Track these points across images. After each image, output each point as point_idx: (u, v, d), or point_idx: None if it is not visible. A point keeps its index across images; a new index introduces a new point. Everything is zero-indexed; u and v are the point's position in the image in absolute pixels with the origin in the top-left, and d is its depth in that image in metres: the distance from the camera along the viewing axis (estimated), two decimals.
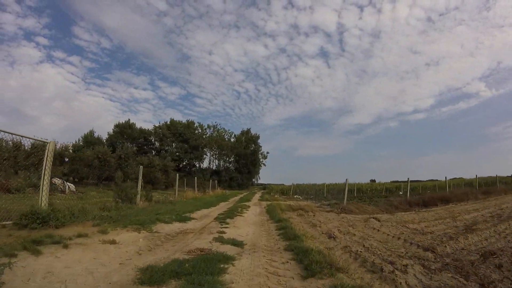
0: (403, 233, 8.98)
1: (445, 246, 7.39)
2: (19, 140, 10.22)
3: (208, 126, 75.79)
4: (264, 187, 71.48)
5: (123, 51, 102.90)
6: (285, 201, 24.51)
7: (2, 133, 7.08)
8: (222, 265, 4.57)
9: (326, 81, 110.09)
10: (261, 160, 76.63)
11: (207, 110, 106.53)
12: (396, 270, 5.00)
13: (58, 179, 19.72)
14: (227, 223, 9.41)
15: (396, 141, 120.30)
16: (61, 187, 19.05)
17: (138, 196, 13.04)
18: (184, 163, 69.60)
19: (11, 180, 13.03)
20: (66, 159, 29.56)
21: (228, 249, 5.83)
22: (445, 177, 26.60)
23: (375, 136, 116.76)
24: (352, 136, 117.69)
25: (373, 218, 11.34)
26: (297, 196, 33.97)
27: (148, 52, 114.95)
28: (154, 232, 7.81)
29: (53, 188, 18.43)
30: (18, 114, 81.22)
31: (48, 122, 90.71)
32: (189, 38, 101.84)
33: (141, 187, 13.65)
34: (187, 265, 4.39)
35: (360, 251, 6.46)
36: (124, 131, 63.42)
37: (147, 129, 67.50)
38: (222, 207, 16.09)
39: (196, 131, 71.23)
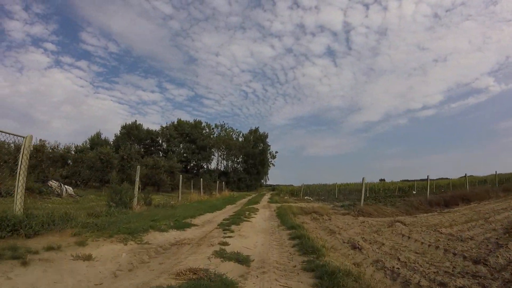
0: (439, 240, 7.62)
1: (497, 257, 6.01)
2: None
3: (216, 126, 74.82)
4: (273, 188, 70.17)
5: (130, 54, 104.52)
6: (295, 202, 23.18)
7: None
8: None
9: (333, 80, 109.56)
10: (269, 160, 75.22)
11: (215, 111, 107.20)
12: None
13: (55, 182, 18.70)
14: (232, 231, 8.12)
15: (406, 139, 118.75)
16: (58, 190, 18.02)
17: (135, 199, 11.86)
18: (192, 164, 68.56)
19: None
20: (69, 161, 28.73)
21: (230, 268, 4.57)
22: (465, 174, 25.06)
23: (384, 133, 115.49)
24: (360, 134, 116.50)
25: (399, 222, 9.96)
26: (308, 197, 32.60)
27: (155, 55, 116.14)
28: (143, 244, 6.57)
29: (49, 191, 17.47)
30: (28, 119, 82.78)
31: (57, 126, 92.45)
32: (196, 40, 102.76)
33: (139, 189, 12.44)
34: None
35: (397, 268, 5.14)
36: (131, 132, 62.84)
37: (154, 130, 66.79)
38: (228, 210, 14.82)
39: (204, 131, 70.15)
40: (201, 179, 25.35)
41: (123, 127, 63.50)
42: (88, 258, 5.05)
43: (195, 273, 4.18)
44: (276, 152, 76.47)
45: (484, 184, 34.37)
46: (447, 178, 48.88)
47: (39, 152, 22.51)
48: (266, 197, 34.50)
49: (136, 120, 66.16)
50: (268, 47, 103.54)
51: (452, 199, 18.17)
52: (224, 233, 7.77)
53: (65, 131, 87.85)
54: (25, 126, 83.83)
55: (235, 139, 74.50)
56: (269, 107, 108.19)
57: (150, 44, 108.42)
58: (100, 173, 26.25)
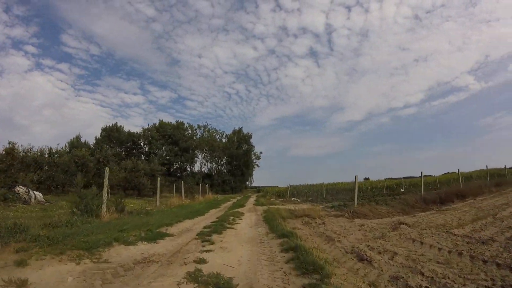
0: (457, 244, 6.56)
1: None
2: None
3: (198, 127, 72.62)
4: (258, 190, 68.75)
5: (112, 57, 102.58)
6: (282, 204, 21.96)
7: None
8: None
9: (316, 80, 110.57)
10: (254, 161, 73.68)
11: (198, 113, 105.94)
12: None
13: (22, 187, 17.04)
14: (213, 242, 6.81)
15: (389, 138, 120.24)
16: (25, 196, 16.39)
17: (103, 206, 10.42)
18: (175, 167, 66.62)
19: None
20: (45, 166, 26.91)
21: None
22: (458, 170, 24.24)
23: (367, 132, 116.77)
24: (344, 133, 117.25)
25: (403, 224, 8.84)
26: (295, 199, 31.45)
27: (137, 57, 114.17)
28: (101, 262, 5.24)
29: (15, 198, 15.88)
30: (8, 124, 79.88)
31: (38, 131, 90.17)
32: (178, 42, 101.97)
33: (108, 194, 11.01)
34: None
35: (426, 286, 3.97)
36: (112, 134, 60.54)
37: (135, 132, 64.69)
38: (211, 216, 13.47)
39: (186, 132, 68.26)
40: (182, 182, 23.82)
41: (104, 130, 61.11)
42: (22, 284, 3.77)
43: None
44: (261, 152, 75.05)
45: (470, 179, 34.29)
46: (430, 175, 48.97)
47: (9, 155, 20.86)
48: (252, 199, 33.18)
49: (116, 122, 63.96)
50: (251, 49, 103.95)
51: (448, 196, 17.35)
52: (203, 246, 6.45)
53: (46, 135, 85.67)
54: (5, 130, 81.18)
55: (218, 140, 72.80)
56: (253, 108, 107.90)
57: (133, 47, 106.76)
58: (75, 178, 24.46)
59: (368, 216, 12.45)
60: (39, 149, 27.87)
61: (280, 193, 38.86)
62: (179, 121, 68.98)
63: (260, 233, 8.19)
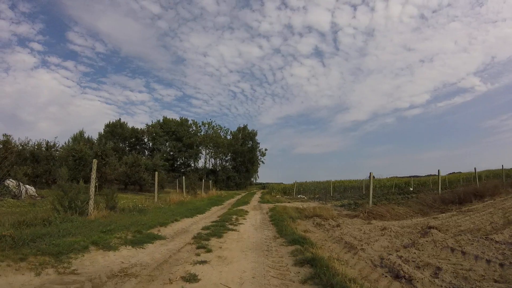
0: (504, 253, 5.36)
1: None
2: None
3: (203, 123, 71.51)
4: (263, 186, 67.73)
5: (118, 55, 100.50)
6: (289, 202, 20.82)
7: None
8: None
9: (321, 80, 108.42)
10: (259, 158, 72.51)
11: (203, 111, 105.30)
12: None
13: (13, 181, 16.05)
14: (210, 249, 5.63)
15: (393, 137, 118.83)
16: (15, 190, 15.39)
17: (91, 202, 9.30)
18: (178, 162, 65.73)
19: None
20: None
21: None
22: (475, 169, 22.84)
23: (372, 132, 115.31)
24: (349, 133, 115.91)
25: (433, 228, 7.61)
26: (301, 196, 30.29)
27: (143, 55, 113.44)
28: (67, 274, 4.17)
29: (4, 192, 14.93)
30: (14, 120, 79.82)
31: (44, 127, 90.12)
32: (184, 40, 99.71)
33: (96, 189, 9.92)
34: None
35: None
36: (115, 130, 59.83)
37: (139, 128, 63.91)
38: (212, 214, 12.34)
39: (190, 129, 67.32)
40: (183, 177, 22.67)
41: (107, 126, 60.53)
42: None
43: None
44: (266, 149, 73.82)
45: (480, 179, 33.06)
46: (434, 175, 47.58)
47: (3, 148, 19.99)
48: (257, 196, 32.03)
49: (120, 118, 63.29)
50: (256, 48, 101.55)
51: (466, 195, 16.10)
52: (197, 254, 5.27)
53: (52, 132, 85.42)
54: (11, 127, 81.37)
55: (223, 137, 71.75)
56: (258, 107, 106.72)
57: (138, 44, 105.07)
58: (72, 172, 23.50)
59: (385, 217, 11.25)
60: (36, 142, 27.15)
61: (286, 190, 37.59)
62: (183, 117, 68.02)
63: (267, 237, 7.00)
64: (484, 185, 20.32)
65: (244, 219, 10.43)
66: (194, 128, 68.68)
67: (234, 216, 10.68)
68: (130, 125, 63.22)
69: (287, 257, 5.13)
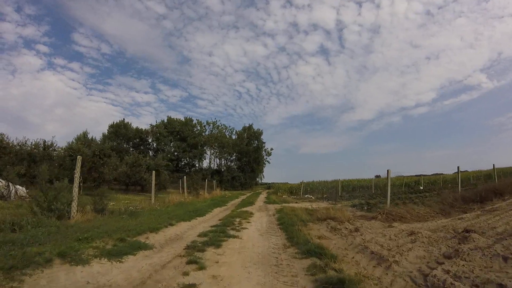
0: None
1: None
2: None
3: (208, 123, 70.04)
4: (268, 186, 66.40)
5: (123, 55, 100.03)
6: (296, 202, 19.64)
7: None
8: None
9: (327, 78, 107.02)
10: (265, 158, 71.10)
11: (209, 111, 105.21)
12: None
13: (2, 181, 15.02)
14: (203, 266, 4.43)
15: (400, 136, 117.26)
16: (4, 190, 14.36)
17: (74, 204, 8.19)
18: (183, 163, 64.66)
19: None
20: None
21: None
22: (493, 166, 21.49)
23: (378, 131, 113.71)
24: (354, 132, 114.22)
25: (472, 231, 6.37)
26: (308, 196, 29.07)
27: (148, 56, 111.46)
28: None
29: None
30: (21, 122, 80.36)
31: (51, 129, 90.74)
32: (189, 40, 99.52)
33: (80, 189, 8.83)
34: None
35: None
36: (119, 131, 58.96)
37: (143, 128, 63.00)
38: (214, 216, 11.16)
39: (195, 129, 66.18)
40: (185, 177, 21.49)
41: (111, 126, 59.65)
42: None
43: None
44: (271, 149, 72.34)
45: (490, 178, 31.85)
46: (441, 174, 46.68)
47: None
48: (262, 196, 30.81)
49: (124, 119, 62.42)
50: (261, 46, 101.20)
51: (487, 193, 14.91)
52: (186, 273, 4.05)
53: (58, 134, 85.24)
54: (17, 129, 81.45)
55: (228, 136, 70.49)
56: (263, 107, 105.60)
57: (143, 45, 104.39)
58: (69, 172, 22.50)
59: (406, 219, 10.05)
60: (34, 142, 26.29)
61: (292, 190, 36.36)
62: (188, 117, 66.95)
63: (275, 246, 5.80)
64: (503, 182, 19.09)
65: (249, 222, 9.24)
66: (198, 128, 67.51)
67: (237, 219, 9.51)
68: (136, 126, 62.42)
69: (302, 275, 3.93)
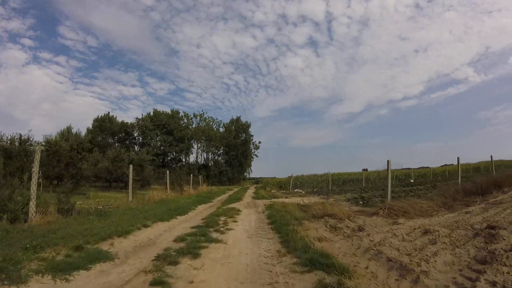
0: None
1: None
2: None
3: (194, 115, 68.12)
4: (257, 181, 65.21)
5: (110, 48, 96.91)
6: (286, 197, 18.61)
7: None
8: None
9: (315, 70, 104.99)
10: (253, 151, 69.78)
11: (197, 105, 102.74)
12: None
13: None
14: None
15: (388, 129, 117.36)
16: None
17: (31, 204, 6.97)
18: (169, 158, 63.07)
19: None
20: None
21: None
22: (491, 157, 20.81)
23: (366, 124, 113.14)
24: (343, 124, 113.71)
25: (496, 227, 5.39)
26: (298, 190, 28.12)
27: (135, 48, 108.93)
28: None
29: None
30: (6, 118, 77.14)
31: (37, 125, 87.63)
32: (177, 32, 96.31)
33: (40, 186, 7.63)
34: None
35: None
36: (104, 125, 57.04)
37: (129, 122, 61.11)
38: (196, 215, 10.04)
39: (182, 122, 64.53)
40: (168, 171, 20.20)
41: (95, 120, 57.58)
42: None
43: None
44: (260, 142, 71.06)
45: (478, 170, 31.68)
46: (427, 167, 46.65)
47: None
48: (250, 191, 29.70)
49: (109, 112, 60.41)
50: (250, 38, 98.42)
51: (487, 186, 14.26)
52: None
53: (45, 129, 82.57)
54: (3, 125, 79.00)
55: (215, 129, 69.04)
56: (252, 99, 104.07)
57: (131, 37, 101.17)
58: (45, 168, 21.02)
59: (410, 214, 9.14)
60: (9, 137, 24.69)
61: (281, 184, 35.35)
62: (174, 109, 65.22)
63: (268, 254, 4.70)
64: (501, 175, 18.53)
65: (235, 221, 8.11)
66: (185, 120, 65.79)
67: (223, 218, 8.40)
68: (116, 117, 60.33)
69: None
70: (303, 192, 25.35)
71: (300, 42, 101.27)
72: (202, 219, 8.60)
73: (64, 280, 3.62)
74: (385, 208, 9.48)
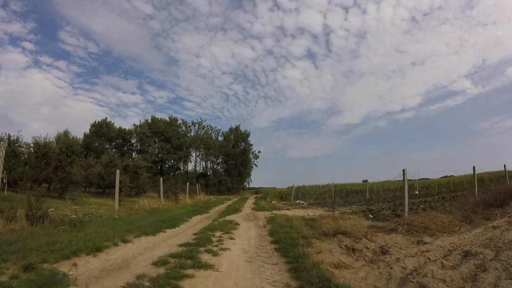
0: None
1: None
2: None
3: (193, 123, 67.18)
4: (256, 191, 63.70)
5: (110, 55, 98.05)
6: (288, 209, 17.43)
7: None
8: None
9: (314, 82, 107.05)
10: (252, 161, 68.64)
11: (196, 114, 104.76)
12: None
13: None
14: None
15: (386, 140, 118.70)
16: None
17: None
18: (167, 165, 61.89)
19: None
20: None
21: None
22: (504, 165, 19.61)
23: (364, 135, 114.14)
24: (341, 136, 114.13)
25: None
26: (300, 201, 26.91)
27: (135, 56, 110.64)
28: None
29: None
30: (5, 121, 76.91)
31: (36, 128, 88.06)
32: (176, 41, 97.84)
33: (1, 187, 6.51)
34: None
35: None
36: (101, 130, 56.01)
37: (126, 128, 60.13)
38: (189, 228, 8.87)
39: (180, 129, 63.52)
40: (161, 179, 18.97)
41: (93, 125, 56.72)
42: None
43: None
44: (259, 151, 69.94)
45: (482, 181, 30.76)
46: (427, 179, 45.93)
47: None
48: (250, 202, 28.44)
49: (106, 118, 59.42)
50: (249, 49, 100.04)
51: (506, 197, 13.23)
52: None
53: (43, 133, 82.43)
54: (1, 127, 77.84)
55: (214, 138, 68.02)
56: (251, 110, 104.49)
57: (131, 45, 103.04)
58: (34, 171, 19.92)
59: (431, 230, 7.98)
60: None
61: (282, 195, 34.14)
62: (173, 117, 64.27)
63: (272, 286, 3.55)
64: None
65: (232, 238, 6.92)
66: (183, 128, 64.88)
67: (218, 234, 7.23)
68: (114, 123, 59.64)
69: None
70: (305, 203, 24.13)
71: (298, 54, 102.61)
72: (194, 233, 7.40)
73: None
74: (404, 224, 8.33)
